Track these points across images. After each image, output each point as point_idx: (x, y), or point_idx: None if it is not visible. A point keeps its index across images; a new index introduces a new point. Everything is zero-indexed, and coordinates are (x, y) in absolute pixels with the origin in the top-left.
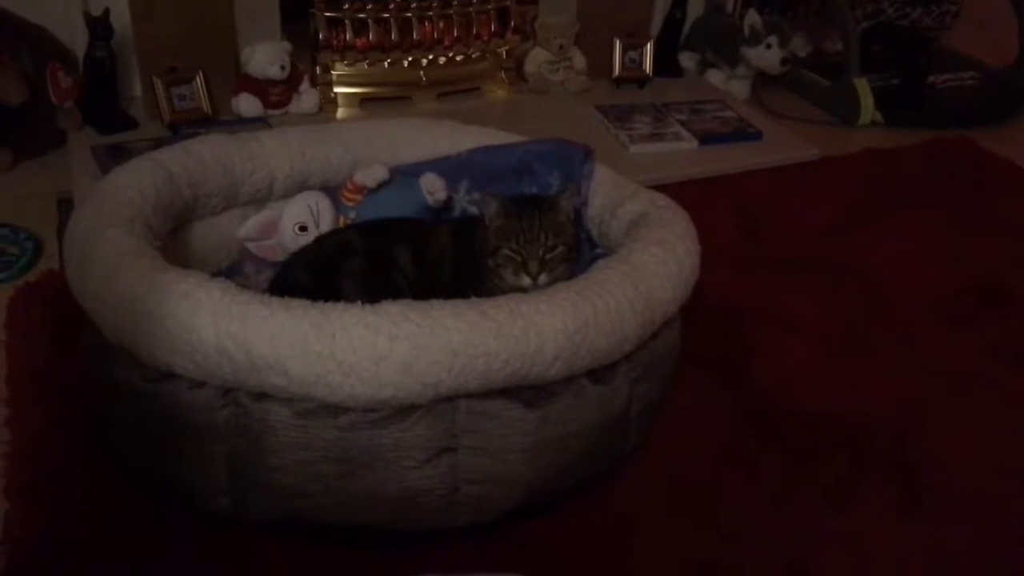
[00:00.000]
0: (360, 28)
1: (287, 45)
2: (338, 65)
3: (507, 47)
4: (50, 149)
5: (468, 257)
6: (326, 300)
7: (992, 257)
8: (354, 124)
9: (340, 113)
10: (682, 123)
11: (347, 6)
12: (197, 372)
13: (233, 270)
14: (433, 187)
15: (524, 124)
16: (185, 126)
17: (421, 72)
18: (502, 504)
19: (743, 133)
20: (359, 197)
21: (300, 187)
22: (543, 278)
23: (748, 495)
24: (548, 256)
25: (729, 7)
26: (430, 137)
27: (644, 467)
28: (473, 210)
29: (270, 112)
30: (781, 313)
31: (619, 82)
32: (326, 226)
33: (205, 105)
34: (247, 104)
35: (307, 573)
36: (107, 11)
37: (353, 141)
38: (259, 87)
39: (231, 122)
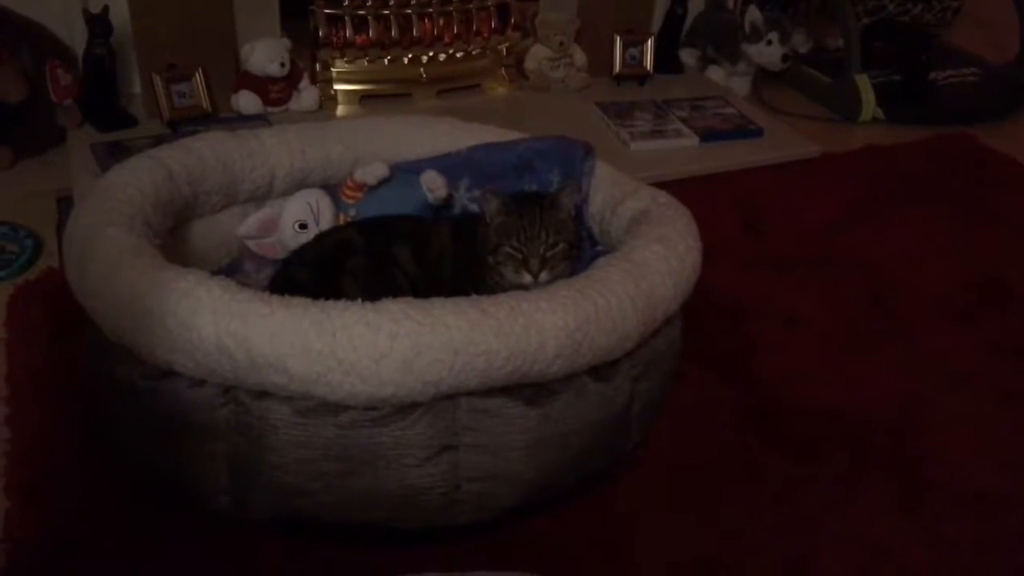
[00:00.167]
0: (360, 25)
1: (287, 42)
2: (338, 62)
3: (507, 44)
4: (50, 147)
5: (469, 255)
6: (326, 298)
7: (993, 253)
8: (354, 121)
9: (340, 110)
10: (683, 120)
11: (347, 3)
12: (197, 370)
13: (233, 268)
14: (434, 184)
15: (525, 121)
16: (185, 123)
17: (421, 69)
18: (503, 502)
19: (744, 130)
20: (359, 195)
21: (300, 185)
22: (544, 276)
23: (749, 492)
24: (549, 253)
25: (730, 3)
26: (430, 134)
27: (645, 464)
28: (474, 207)
29: (270, 109)
30: (782, 310)
31: (620, 79)
32: (326, 224)
33: (205, 102)
34: (247, 101)
35: (307, 572)
36: (106, 8)
37: (353, 138)
38: (259, 84)
39: (231, 119)
